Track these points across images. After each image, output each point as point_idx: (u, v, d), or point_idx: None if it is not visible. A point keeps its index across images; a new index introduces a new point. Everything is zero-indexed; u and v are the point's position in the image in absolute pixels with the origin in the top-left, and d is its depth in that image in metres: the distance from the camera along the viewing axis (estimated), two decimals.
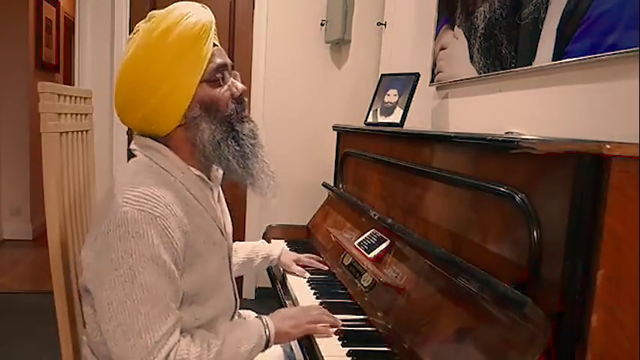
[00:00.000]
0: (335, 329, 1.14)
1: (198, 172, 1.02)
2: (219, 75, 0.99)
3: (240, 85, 1.03)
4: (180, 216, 0.93)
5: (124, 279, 0.87)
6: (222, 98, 1.00)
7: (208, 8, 1.04)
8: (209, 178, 1.06)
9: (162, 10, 1.00)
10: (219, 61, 1.00)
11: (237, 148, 1.01)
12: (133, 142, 1.04)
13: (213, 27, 1.01)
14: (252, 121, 1.06)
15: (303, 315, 1.13)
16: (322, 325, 1.13)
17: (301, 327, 1.10)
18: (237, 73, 1.06)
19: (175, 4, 1.01)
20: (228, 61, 1.03)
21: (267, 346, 1.04)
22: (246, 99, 1.05)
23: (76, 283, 1.19)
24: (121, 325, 0.88)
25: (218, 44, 1.03)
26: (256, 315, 1.11)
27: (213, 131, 0.99)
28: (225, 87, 1.01)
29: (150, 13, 1.02)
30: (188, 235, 0.95)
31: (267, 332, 1.04)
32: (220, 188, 1.15)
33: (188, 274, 0.96)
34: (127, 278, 0.87)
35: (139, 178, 0.93)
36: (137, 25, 1.02)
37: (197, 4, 1.03)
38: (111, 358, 0.99)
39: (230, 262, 1.14)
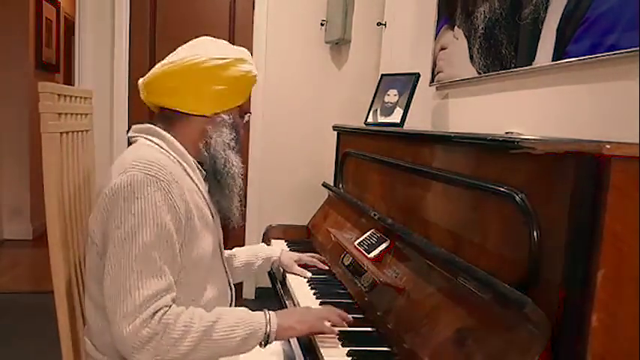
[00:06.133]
0: (335, 332, 1.10)
1: (193, 158, 1.11)
2: (243, 112, 1.20)
3: (242, 129, 1.21)
4: (181, 186, 1.01)
5: (124, 237, 0.93)
6: (242, 127, 1.20)
7: None
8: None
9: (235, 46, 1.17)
10: (247, 106, 1.22)
11: (225, 160, 1.14)
12: (130, 130, 1.12)
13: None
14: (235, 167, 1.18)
15: (313, 312, 1.13)
16: (330, 323, 1.10)
17: (307, 323, 1.08)
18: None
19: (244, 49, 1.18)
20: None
21: (267, 341, 1.02)
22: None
23: (76, 282, 1.20)
24: (116, 280, 0.93)
25: None
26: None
27: (227, 138, 1.14)
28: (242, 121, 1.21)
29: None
30: (188, 205, 1.02)
31: (268, 327, 1.02)
32: None
33: (187, 246, 1.02)
34: (127, 236, 0.93)
35: (142, 152, 1.02)
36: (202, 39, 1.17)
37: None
38: (114, 347, 1.01)
39: (221, 250, 1.21)
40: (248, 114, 1.24)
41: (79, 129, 1.29)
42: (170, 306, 0.96)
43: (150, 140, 1.07)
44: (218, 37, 1.16)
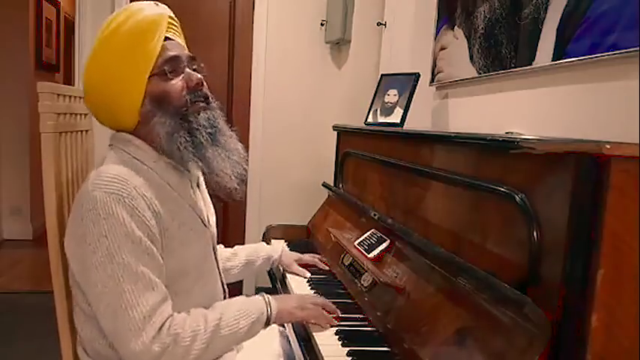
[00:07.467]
0: (336, 322, 1.15)
1: (169, 160, 1.02)
2: (168, 67, 1.00)
3: (195, 76, 1.03)
4: (150, 198, 0.95)
5: (104, 260, 0.90)
6: (174, 90, 1.00)
7: (162, 5, 1.06)
8: (187, 168, 1.06)
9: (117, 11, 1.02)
10: (170, 54, 1.00)
11: (190, 139, 1.00)
12: (110, 138, 1.07)
13: (166, 21, 1.03)
14: (210, 110, 1.05)
15: (308, 299, 1.17)
16: (325, 310, 1.15)
17: (305, 310, 1.12)
18: (201, 64, 1.07)
19: (130, 3, 1.03)
20: (184, 53, 1.04)
21: (267, 323, 1.06)
22: (204, 88, 1.05)
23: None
24: (109, 305, 0.91)
25: (175, 38, 1.05)
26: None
27: (165, 124, 0.99)
28: (179, 79, 1.01)
29: None
30: (160, 217, 0.97)
31: (269, 310, 1.05)
32: (203, 180, 1.18)
33: (167, 257, 0.98)
34: (106, 259, 0.90)
35: (108, 167, 0.96)
36: None
37: (151, 2, 1.05)
38: (103, 354, 1.00)
39: (215, 251, 1.16)
40: (185, 61, 1.02)
41: (78, 129, 1.29)
42: (172, 315, 0.95)
43: (122, 150, 1.01)
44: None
